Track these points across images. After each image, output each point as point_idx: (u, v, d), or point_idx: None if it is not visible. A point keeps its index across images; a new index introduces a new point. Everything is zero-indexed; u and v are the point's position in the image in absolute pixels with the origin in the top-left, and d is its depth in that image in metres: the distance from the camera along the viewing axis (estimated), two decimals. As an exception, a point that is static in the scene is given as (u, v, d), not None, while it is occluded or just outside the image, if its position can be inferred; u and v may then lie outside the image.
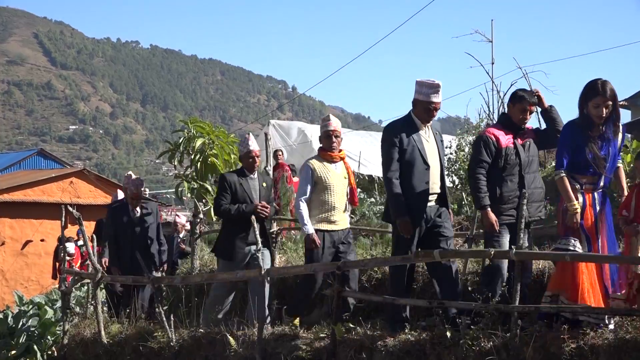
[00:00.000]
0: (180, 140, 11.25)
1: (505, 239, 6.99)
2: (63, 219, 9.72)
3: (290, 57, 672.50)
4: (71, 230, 19.83)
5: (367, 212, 15.31)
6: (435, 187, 7.24)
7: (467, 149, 16.41)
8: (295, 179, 16.05)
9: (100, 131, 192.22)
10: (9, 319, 13.42)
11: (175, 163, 11.42)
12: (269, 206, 8.55)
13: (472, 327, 6.34)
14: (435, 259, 6.56)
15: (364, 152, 22.34)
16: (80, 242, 17.30)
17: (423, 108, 7.18)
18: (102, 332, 8.89)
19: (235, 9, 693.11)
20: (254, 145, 8.65)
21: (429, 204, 7.17)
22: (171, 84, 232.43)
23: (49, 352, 12.11)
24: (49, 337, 12.46)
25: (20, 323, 13.04)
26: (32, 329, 12.78)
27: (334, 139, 8.08)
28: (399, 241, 7.20)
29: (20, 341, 12.61)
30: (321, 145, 8.22)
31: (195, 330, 8.07)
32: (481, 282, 7.30)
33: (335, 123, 8.14)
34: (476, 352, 6.11)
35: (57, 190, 25.92)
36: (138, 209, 10.42)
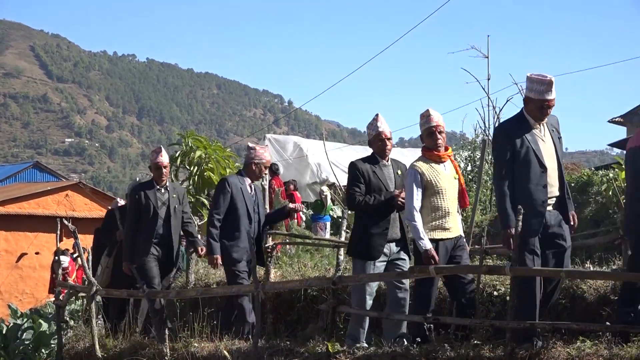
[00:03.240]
0: (177, 154, 11.28)
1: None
2: (58, 232, 9.72)
3: (287, 71, 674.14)
4: (66, 243, 19.80)
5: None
6: (553, 190, 6.65)
7: (462, 165, 16.42)
8: (299, 195, 16.13)
9: (96, 144, 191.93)
10: (4, 332, 13.38)
11: (172, 177, 11.44)
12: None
13: (466, 342, 6.33)
14: (430, 275, 6.54)
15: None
16: (76, 255, 17.25)
17: (536, 106, 6.62)
18: (97, 346, 8.87)
19: (232, 24, 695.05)
20: (384, 126, 7.55)
21: (548, 209, 6.58)
22: (167, 97, 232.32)
23: (43, 366, 12.08)
24: (43, 350, 12.43)
25: (15, 336, 13.01)
26: (27, 342, 12.75)
27: (439, 136, 7.15)
28: (521, 254, 6.46)
29: (15, 354, 12.57)
30: (424, 144, 7.29)
31: (190, 345, 8.04)
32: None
33: (437, 117, 7.19)
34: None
35: (53, 203, 25.88)
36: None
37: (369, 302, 7.37)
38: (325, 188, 20.09)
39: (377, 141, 7.51)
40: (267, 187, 9.56)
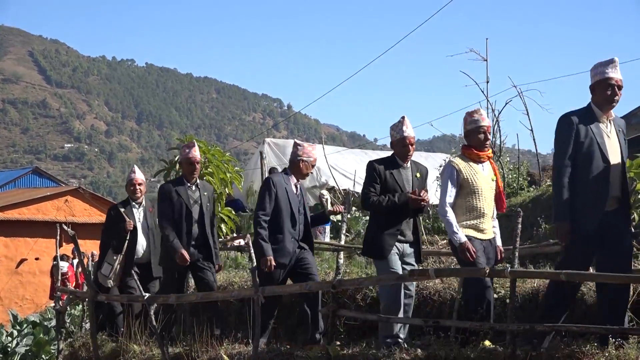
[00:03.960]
0: (176, 159, 11.26)
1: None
2: (58, 238, 9.72)
3: (286, 75, 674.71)
4: (66, 249, 19.79)
5: (362, 231, 15.32)
6: (614, 189, 6.33)
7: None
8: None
9: (96, 149, 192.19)
10: (4, 338, 13.38)
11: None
12: (425, 195, 7.40)
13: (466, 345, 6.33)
14: (430, 278, 6.53)
15: (359, 171, 22.33)
16: (76, 261, 17.24)
17: (602, 89, 6.33)
18: (98, 352, 8.86)
19: (231, 28, 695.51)
20: (409, 130, 7.44)
21: (608, 207, 6.26)
22: (166, 102, 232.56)
23: (44, 372, 12.07)
24: (43, 356, 12.42)
25: (15, 342, 13.00)
26: (27, 348, 12.74)
27: (488, 136, 7.07)
28: (569, 251, 6.34)
29: (15, 360, 12.57)
30: (467, 143, 7.13)
31: (190, 349, 8.04)
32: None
33: (487, 118, 7.14)
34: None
35: (52, 208, 25.87)
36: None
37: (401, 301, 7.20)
38: (324, 192, 20.09)
39: (401, 145, 7.40)
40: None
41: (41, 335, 12.73)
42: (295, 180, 8.23)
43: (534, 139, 18.88)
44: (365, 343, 7.37)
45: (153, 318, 8.37)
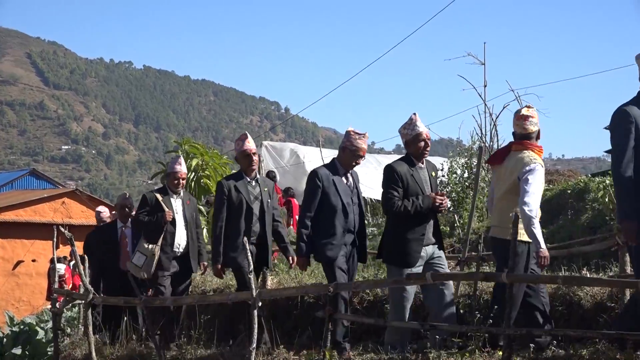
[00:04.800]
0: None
1: None
2: (55, 240, 9.69)
3: (283, 78, 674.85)
4: (63, 251, 19.78)
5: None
6: None
7: (459, 172, 16.42)
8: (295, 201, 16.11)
9: (93, 151, 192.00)
10: (-1, 339, 13.35)
11: (168, 184, 11.42)
12: (445, 197, 7.28)
13: (462, 350, 6.33)
14: (427, 282, 6.52)
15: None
16: (73, 263, 17.20)
17: None
18: (94, 354, 8.83)
19: (229, 31, 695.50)
20: (423, 126, 7.27)
21: None
22: (164, 104, 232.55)
23: (40, 374, 12.04)
24: (39, 358, 12.39)
25: (11, 344, 12.96)
26: (23, 350, 12.71)
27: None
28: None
29: (11, 363, 12.53)
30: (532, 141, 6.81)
31: (187, 352, 8.03)
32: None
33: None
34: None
35: (49, 210, 25.88)
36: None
37: (408, 308, 7.11)
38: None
39: (417, 142, 7.19)
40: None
41: (37, 337, 12.69)
42: (344, 170, 7.81)
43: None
44: (362, 346, 7.36)
45: (147, 320, 8.36)
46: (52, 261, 21.82)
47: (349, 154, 7.70)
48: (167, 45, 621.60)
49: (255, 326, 6.97)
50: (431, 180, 7.32)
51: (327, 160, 8.57)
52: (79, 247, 9.16)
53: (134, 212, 10.15)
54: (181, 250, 9.24)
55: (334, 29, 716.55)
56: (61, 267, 20.29)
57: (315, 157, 23.10)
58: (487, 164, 7.39)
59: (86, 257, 9.81)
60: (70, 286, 18.34)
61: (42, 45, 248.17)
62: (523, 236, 6.51)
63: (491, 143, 18.45)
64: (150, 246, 9.11)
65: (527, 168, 6.55)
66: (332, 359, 6.84)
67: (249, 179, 8.40)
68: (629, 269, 7.01)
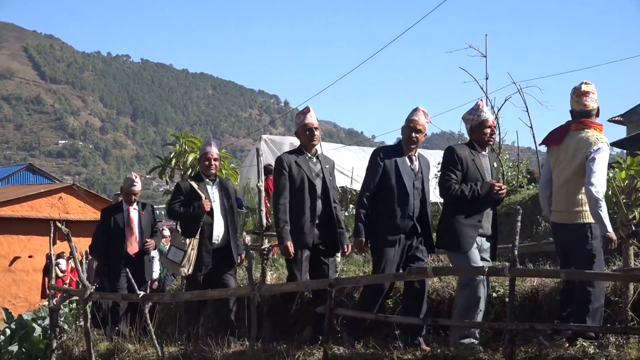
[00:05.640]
0: (171, 155, 11.22)
1: None
2: (52, 235, 9.68)
3: (283, 71, 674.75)
4: (60, 247, 19.77)
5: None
6: None
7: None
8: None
9: (90, 146, 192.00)
10: (-4, 336, 13.35)
11: (166, 178, 11.41)
12: (505, 186, 7.01)
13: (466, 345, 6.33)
14: (428, 277, 6.50)
15: (356, 168, 22.34)
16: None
17: None
18: (92, 351, 8.84)
19: (227, 24, 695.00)
20: (489, 114, 7.13)
21: None
22: (162, 98, 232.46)
23: (37, 371, 12.05)
24: (36, 354, 12.39)
25: (8, 341, 12.97)
26: (20, 347, 12.71)
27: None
28: None
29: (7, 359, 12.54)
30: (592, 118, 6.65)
31: (186, 348, 8.03)
32: None
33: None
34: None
35: (46, 205, 25.87)
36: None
37: (482, 303, 6.85)
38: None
39: (482, 129, 7.04)
40: (262, 188, 9.31)
41: (34, 334, 12.69)
42: (410, 153, 7.45)
43: (533, 136, 18.81)
44: (363, 342, 7.36)
45: (148, 316, 8.36)
46: (48, 257, 21.91)
47: (414, 130, 7.38)
48: (165, 38, 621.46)
49: (255, 322, 6.98)
50: (492, 170, 7.11)
51: (328, 154, 8.52)
52: (75, 242, 9.15)
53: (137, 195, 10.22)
54: (219, 242, 8.65)
55: (334, 21, 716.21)
56: (63, 263, 20.35)
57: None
58: (541, 145, 7.17)
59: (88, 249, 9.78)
60: (69, 281, 18.37)
61: (38, 39, 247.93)
62: (587, 218, 6.41)
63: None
64: (188, 240, 8.52)
65: (594, 147, 6.37)
66: (332, 353, 6.83)
67: (309, 155, 7.93)
68: (632, 263, 7.00)
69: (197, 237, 8.49)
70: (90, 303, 9.42)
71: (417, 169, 7.41)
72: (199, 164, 9.05)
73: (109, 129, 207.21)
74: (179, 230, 8.84)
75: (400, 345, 6.93)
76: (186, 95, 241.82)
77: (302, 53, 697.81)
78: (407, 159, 7.39)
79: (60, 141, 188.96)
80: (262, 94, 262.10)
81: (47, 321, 11.96)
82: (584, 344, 5.95)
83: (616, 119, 31.62)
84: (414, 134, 7.36)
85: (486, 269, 6.35)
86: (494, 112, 17.95)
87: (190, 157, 10.96)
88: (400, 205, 7.23)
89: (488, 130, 7.02)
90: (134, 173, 10.60)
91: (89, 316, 9.11)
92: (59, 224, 9.34)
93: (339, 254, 8.47)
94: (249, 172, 24.06)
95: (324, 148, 22.23)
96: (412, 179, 7.33)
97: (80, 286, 9.30)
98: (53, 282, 10.87)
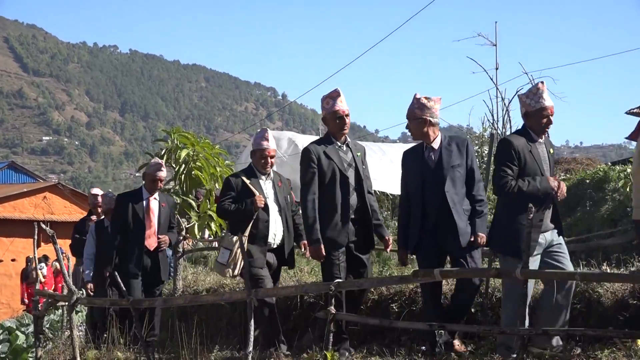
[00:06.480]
0: (162, 152, 11.19)
1: None
2: (36, 237, 9.68)
3: (280, 62, 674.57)
4: (44, 249, 19.78)
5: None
6: None
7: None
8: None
9: (76, 142, 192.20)
10: (-22, 345, 13.37)
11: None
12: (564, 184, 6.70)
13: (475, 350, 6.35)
14: (435, 279, 6.50)
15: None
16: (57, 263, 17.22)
17: None
18: (78, 359, 8.85)
19: (221, 12, 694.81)
20: (549, 100, 6.68)
21: None
22: (152, 91, 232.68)
23: (21, 381, 12.08)
24: (20, 364, 12.43)
25: (-11, 350, 13.01)
26: (2, 355, 12.74)
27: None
28: None
29: (-11, 369, 12.57)
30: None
31: (177, 356, 8.04)
32: None
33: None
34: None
35: (30, 206, 25.90)
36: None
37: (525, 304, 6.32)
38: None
39: (540, 116, 6.62)
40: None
41: (18, 342, 12.72)
42: (433, 147, 7.12)
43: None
44: (366, 349, 7.37)
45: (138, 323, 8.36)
46: (28, 260, 21.92)
47: (544, 117, 6.80)
48: (155, 27, 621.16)
49: (252, 328, 6.99)
50: (550, 159, 6.76)
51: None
52: (61, 245, 9.14)
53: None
54: (278, 241, 8.15)
55: (335, 10, 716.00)
56: (43, 268, 20.32)
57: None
58: (628, 139, 7.05)
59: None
60: (52, 288, 18.36)
61: (20, 29, 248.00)
62: None
63: (503, 130, 18.45)
64: (235, 237, 7.95)
65: None
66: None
67: (339, 144, 7.65)
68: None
69: (246, 233, 7.87)
70: (85, 312, 9.40)
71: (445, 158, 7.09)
72: (253, 159, 8.46)
73: (96, 125, 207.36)
74: (228, 229, 8.47)
75: (402, 352, 6.95)
76: (178, 88, 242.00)
77: (301, 43, 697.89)
78: (431, 153, 7.16)
79: (44, 137, 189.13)
80: (259, 86, 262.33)
81: (31, 329, 11.98)
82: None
83: (635, 111, 31.54)
84: (429, 128, 7.15)
85: (492, 272, 6.36)
86: (504, 104, 17.99)
87: (183, 153, 10.93)
88: (417, 205, 7.05)
89: (545, 120, 6.63)
90: (157, 159, 10.14)
91: (75, 323, 9.12)
92: (43, 225, 9.32)
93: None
94: (245, 169, 24.04)
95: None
96: (434, 176, 7.06)
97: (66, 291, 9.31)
98: (37, 287, 10.88)
